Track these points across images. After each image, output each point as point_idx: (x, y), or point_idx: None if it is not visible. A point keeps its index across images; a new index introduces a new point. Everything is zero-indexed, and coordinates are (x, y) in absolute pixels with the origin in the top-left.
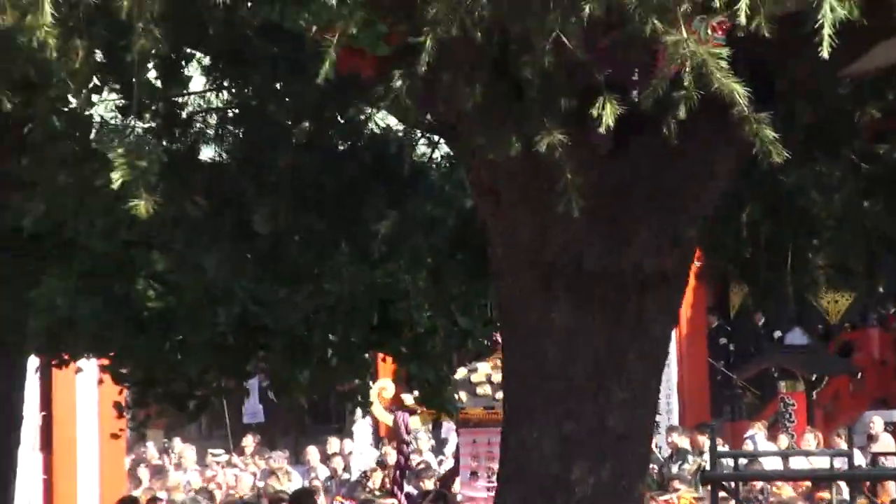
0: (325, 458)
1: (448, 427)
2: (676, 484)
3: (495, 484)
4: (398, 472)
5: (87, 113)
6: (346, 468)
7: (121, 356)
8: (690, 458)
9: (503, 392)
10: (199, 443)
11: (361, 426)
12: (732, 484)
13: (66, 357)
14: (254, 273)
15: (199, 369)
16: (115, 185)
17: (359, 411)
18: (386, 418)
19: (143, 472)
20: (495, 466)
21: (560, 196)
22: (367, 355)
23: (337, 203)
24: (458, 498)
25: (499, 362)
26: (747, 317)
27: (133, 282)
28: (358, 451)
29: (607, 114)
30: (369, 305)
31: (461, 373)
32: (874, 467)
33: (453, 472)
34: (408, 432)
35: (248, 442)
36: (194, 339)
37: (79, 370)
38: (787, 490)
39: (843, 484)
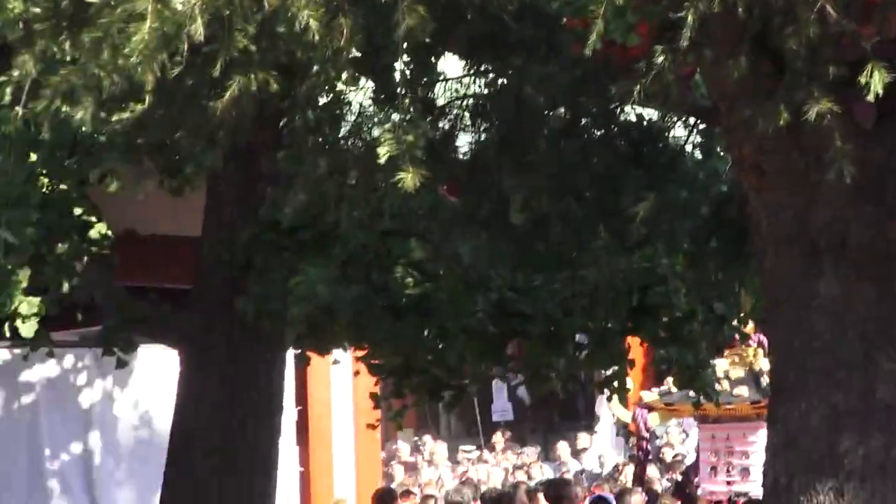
0: (575, 454)
1: (688, 422)
2: None
3: (735, 478)
4: (638, 467)
5: (346, 99)
6: (600, 464)
7: (379, 344)
8: None
9: (770, 367)
10: (449, 441)
11: (604, 423)
12: None
13: (324, 346)
14: (510, 261)
15: (458, 356)
16: (382, 160)
17: (603, 408)
18: (625, 415)
19: (397, 469)
20: (734, 461)
21: (829, 165)
22: (623, 343)
23: (594, 188)
24: (699, 492)
25: (736, 358)
26: None
27: (391, 270)
28: (600, 446)
29: (875, 81)
30: (627, 290)
31: None
32: None
33: (694, 467)
34: (647, 429)
35: (499, 438)
36: (452, 326)
37: (336, 362)
38: None
39: None
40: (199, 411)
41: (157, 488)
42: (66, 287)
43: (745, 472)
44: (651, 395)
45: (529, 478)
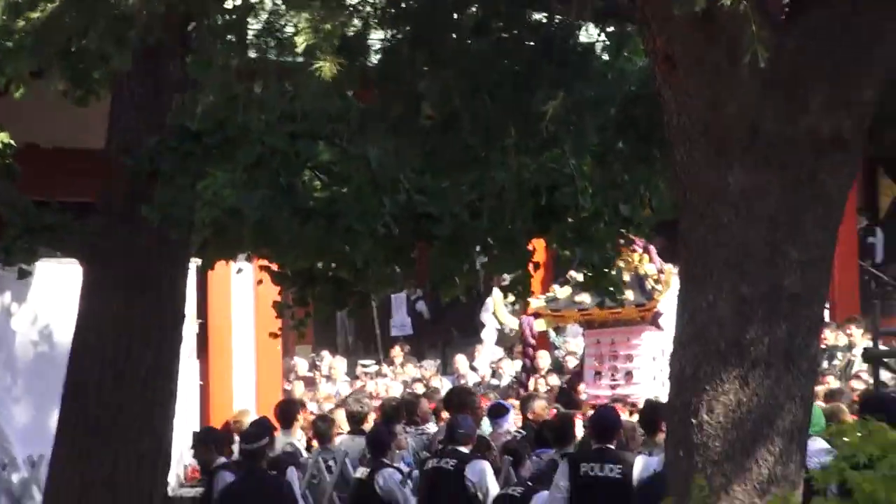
0: (473, 367)
1: (576, 330)
2: (827, 380)
3: (619, 382)
4: (525, 374)
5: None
6: (495, 374)
7: (286, 248)
8: (839, 354)
9: (681, 257)
10: (348, 357)
11: (489, 332)
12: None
13: (229, 252)
14: (418, 163)
15: (365, 259)
16: (300, 49)
17: (487, 315)
18: (511, 322)
19: (297, 384)
20: (619, 365)
21: (744, 51)
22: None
23: (505, 86)
24: (583, 397)
25: (622, 263)
26: None
27: (299, 174)
28: (487, 356)
29: None
30: (535, 191)
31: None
32: None
33: (579, 373)
34: (533, 336)
35: (398, 352)
36: (360, 228)
37: (239, 270)
38: None
39: None
40: (101, 321)
41: (55, 404)
42: None
43: (628, 375)
44: (538, 303)
45: (429, 390)
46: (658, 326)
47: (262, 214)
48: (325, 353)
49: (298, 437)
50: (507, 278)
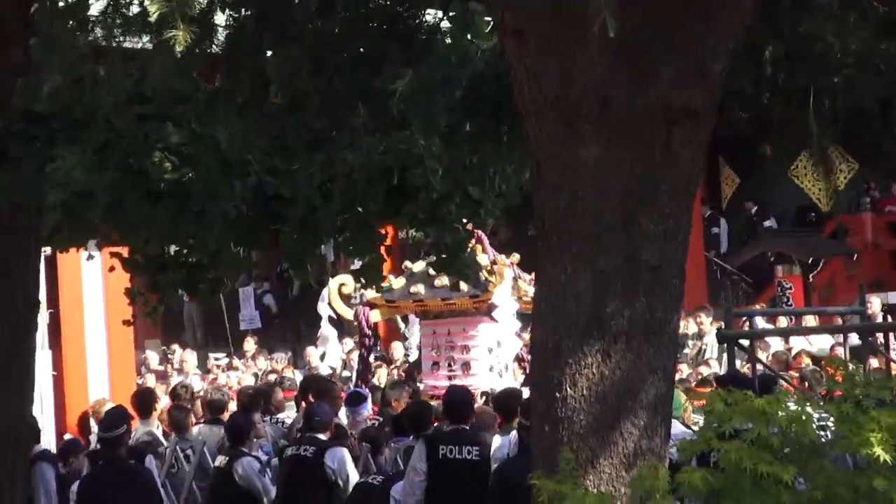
0: (323, 357)
1: (413, 320)
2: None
3: (457, 373)
4: (361, 364)
5: None
6: (346, 366)
7: (137, 230)
8: (690, 342)
9: (536, 231)
10: (197, 350)
11: (327, 323)
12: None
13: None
14: (267, 145)
15: (217, 241)
16: (153, 18)
17: (322, 306)
18: (347, 313)
19: (149, 378)
20: (456, 356)
21: (591, 19)
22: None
23: (352, 66)
24: (422, 387)
25: None
26: (739, 206)
27: (148, 155)
28: (329, 349)
29: None
30: (385, 172)
31: (419, 266)
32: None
33: (416, 364)
34: (368, 327)
35: (250, 346)
36: (211, 211)
37: (90, 257)
38: None
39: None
40: None
41: None
42: None
43: (466, 366)
44: (372, 293)
45: (284, 380)
46: (492, 318)
47: (113, 196)
48: (176, 347)
49: (156, 426)
50: (356, 263)
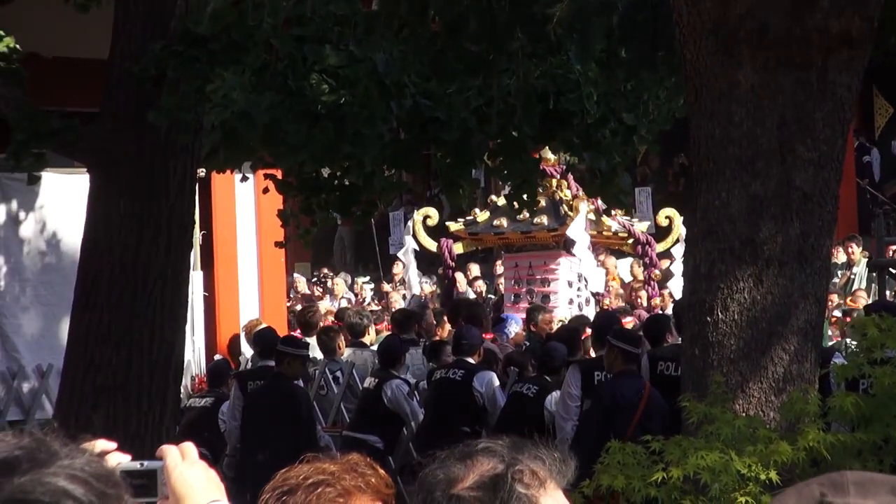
0: (470, 282)
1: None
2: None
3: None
4: (444, 295)
5: None
6: (494, 290)
7: (296, 151)
8: (839, 272)
9: (691, 156)
10: (348, 274)
11: (409, 252)
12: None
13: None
14: (425, 68)
15: (373, 162)
16: None
17: (408, 238)
18: (430, 244)
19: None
20: (535, 289)
21: None
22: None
23: None
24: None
25: (539, 189)
26: (892, 136)
27: (306, 77)
28: (410, 276)
29: None
30: (541, 96)
31: (503, 199)
32: None
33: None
34: (452, 259)
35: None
36: (367, 132)
37: (244, 178)
38: None
39: None
40: (109, 228)
41: (63, 313)
42: None
43: (545, 298)
44: (456, 226)
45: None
46: (570, 252)
47: (271, 117)
48: (326, 270)
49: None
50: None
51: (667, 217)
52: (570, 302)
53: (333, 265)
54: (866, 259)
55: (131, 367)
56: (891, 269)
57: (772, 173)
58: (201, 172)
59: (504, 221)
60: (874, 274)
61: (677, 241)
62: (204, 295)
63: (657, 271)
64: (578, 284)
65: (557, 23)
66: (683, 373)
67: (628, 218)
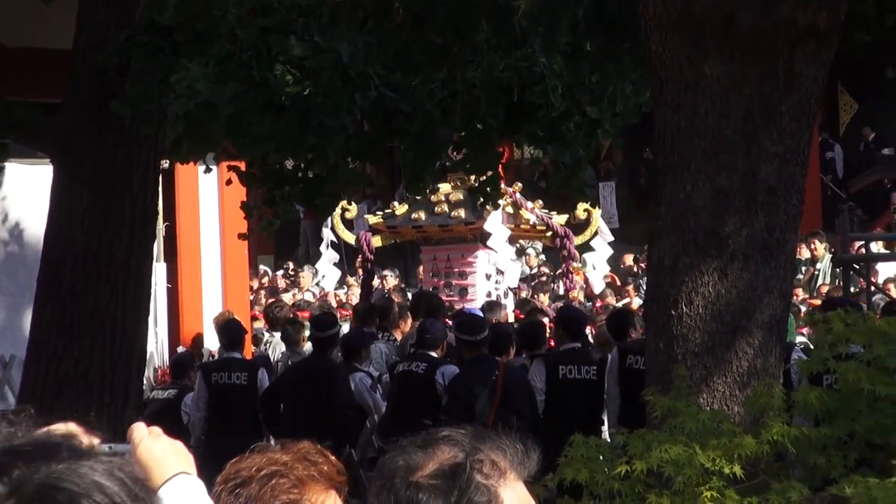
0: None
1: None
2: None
3: (454, 297)
4: (364, 288)
5: None
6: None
7: (260, 142)
8: (803, 268)
9: (656, 150)
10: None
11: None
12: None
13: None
14: (389, 59)
15: (337, 153)
16: None
17: (327, 235)
18: (348, 237)
19: (262, 293)
20: (454, 281)
21: None
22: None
23: None
24: None
25: (458, 182)
26: (857, 133)
27: (271, 68)
28: (325, 272)
29: None
30: (506, 89)
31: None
32: None
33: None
34: (370, 251)
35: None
36: (332, 124)
37: (208, 170)
38: None
39: None
40: (73, 219)
41: (26, 304)
42: None
43: (463, 291)
44: (375, 219)
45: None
46: (486, 246)
47: (235, 108)
48: (290, 263)
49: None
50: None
51: (585, 210)
52: (489, 295)
53: (297, 258)
54: (830, 255)
55: (93, 358)
56: (855, 266)
57: (737, 166)
58: (165, 163)
59: (422, 215)
60: (838, 270)
61: (595, 233)
62: (167, 286)
63: (575, 264)
64: (497, 277)
65: (522, 15)
66: (648, 366)
67: (546, 211)
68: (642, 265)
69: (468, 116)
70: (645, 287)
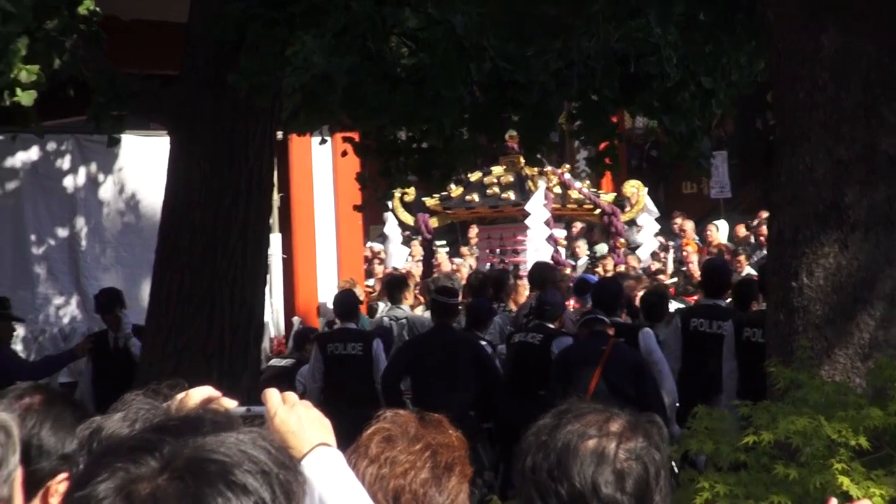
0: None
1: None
2: None
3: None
4: (424, 266)
5: None
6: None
7: (376, 114)
8: None
9: (775, 120)
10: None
11: (391, 226)
12: None
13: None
14: (504, 30)
15: (453, 124)
16: None
17: (388, 216)
18: (408, 218)
19: (376, 265)
20: (508, 259)
21: None
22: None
23: None
24: None
25: (508, 165)
26: None
27: (386, 40)
28: (393, 249)
29: None
30: (621, 59)
31: (476, 175)
32: None
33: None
34: (429, 232)
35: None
36: (447, 94)
37: (322, 141)
38: None
39: None
40: (190, 190)
41: (144, 274)
42: (57, 63)
43: (517, 268)
44: (432, 201)
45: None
46: (527, 226)
47: (352, 80)
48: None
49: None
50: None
51: (633, 187)
52: None
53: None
54: None
55: (212, 328)
56: None
57: (857, 137)
58: (279, 135)
59: (476, 196)
60: None
61: (642, 210)
62: (283, 257)
63: (622, 240)
64: (544, 251)
65: None
66: (768, 338)
67: (594, 189)
68: (759, 235)
69: (583, 87)
70: (758, 257)
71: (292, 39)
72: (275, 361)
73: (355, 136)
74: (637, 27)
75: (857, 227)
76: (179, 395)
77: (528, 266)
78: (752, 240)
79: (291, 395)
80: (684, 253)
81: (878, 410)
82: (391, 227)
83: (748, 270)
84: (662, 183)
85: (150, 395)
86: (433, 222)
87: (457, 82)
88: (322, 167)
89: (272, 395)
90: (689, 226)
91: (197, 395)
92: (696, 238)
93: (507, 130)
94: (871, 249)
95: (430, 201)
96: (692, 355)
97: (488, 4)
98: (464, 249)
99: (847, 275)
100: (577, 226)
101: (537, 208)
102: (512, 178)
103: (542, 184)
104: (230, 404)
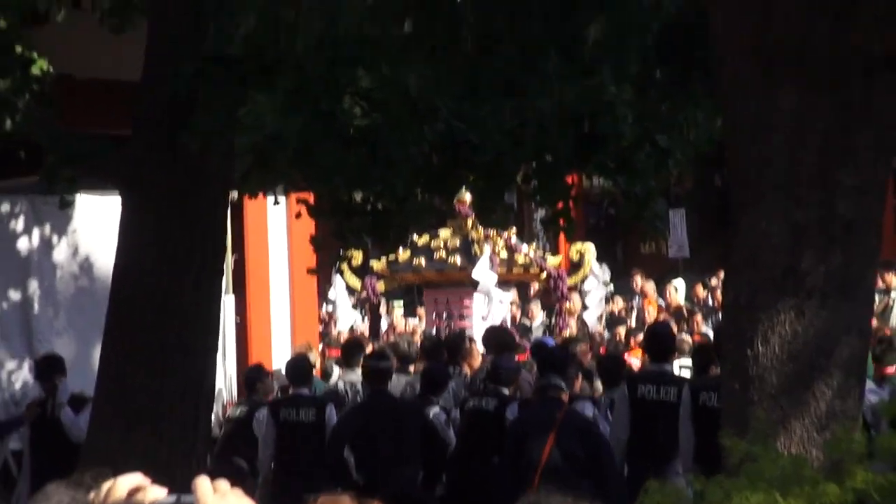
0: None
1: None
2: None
3: None
4: (370, 330)
5: None
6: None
7: (327, 175)
8: (876, 296)
9: (731, 182)
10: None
11: (339, 290)
12: None
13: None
14: (458, 89)
15: (405, 186)
16: None
17: (336, 277)
18: (355, 283)
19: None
20: (455, 323)
21: None
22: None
23: (546, 10)
24: None
25: (456, 228)
26: None
27: (339, 100)
28: (340, 313)
29: None
30: (576, 118)
31: (423, 239)
32: None
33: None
34: (375, 295)
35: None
36: (400, 156)
37: (276, 202)
38: None
39: None
40: (141, 253)
41: (97, 337)
42: (8, 125)
43: (462, 333)
44: (379, 264)
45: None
46: (475, 289)
47: (304, 141)
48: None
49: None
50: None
51: (578, 252)
52: None
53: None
54: None
55: (162, 393)
56: None
57: (813, 200)
58: (233, 196)
59: (422, 261)
60: None
61: (587, 276)
62: (236, 320)
63: (568, 304)
64: (489, 320)
65: (592, 44)
66: (724, 408)
67: (541, 252)
68: (715, 299)
69: (538, 147)
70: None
71: (244, 99)
72: (231, 412)
73: (310, 197)
74: (592, 85)
75: (814, 293)
76: (105, 485)
77: (474, 331)
78: (710, 301)
79: (223, 484)
80: (646, 314)
81: (835, 487)
82: (339, 291)
83: (705, 330)
84: (621, 242)
85: (71, 486)
86: (380, 286)
87: (409, 143)
88: (277, 228)
89: (202, 484)
90: (651, 287)
91: (123, 484)
92: (659, 298)
93: (460, 191)
94: (828, 316)
95: (377, 265)
96: (641, 423)
97: (442, 63)
98: (420, 310)
99: (803, 343)
100: (535, 286)
101: (484, 273)
102: (458, 243)
103: (486, 248)
104: (159, 493)
